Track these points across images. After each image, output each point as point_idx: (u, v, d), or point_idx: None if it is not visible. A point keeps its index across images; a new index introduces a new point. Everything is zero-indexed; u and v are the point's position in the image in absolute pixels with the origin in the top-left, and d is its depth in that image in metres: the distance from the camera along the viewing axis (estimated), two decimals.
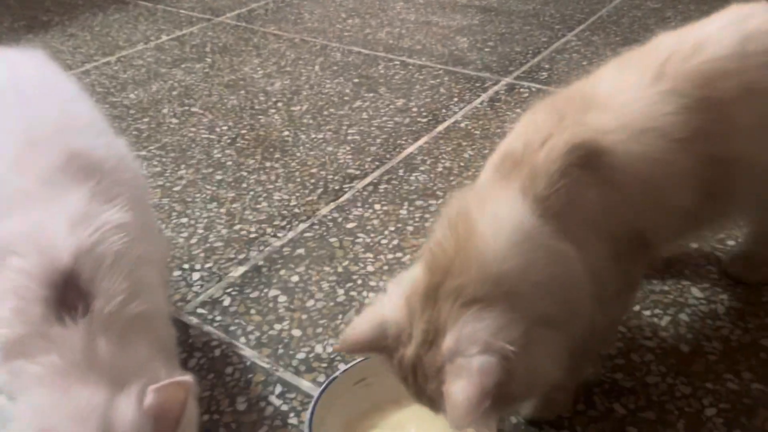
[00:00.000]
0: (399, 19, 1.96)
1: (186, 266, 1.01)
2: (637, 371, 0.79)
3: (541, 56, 1.64)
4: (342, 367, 0.79)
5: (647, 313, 0.87)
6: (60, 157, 0.63)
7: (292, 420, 0.76)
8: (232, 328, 0.89)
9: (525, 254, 0.56)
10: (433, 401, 0.57)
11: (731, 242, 0.96)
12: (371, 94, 1.51)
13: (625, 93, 0.65)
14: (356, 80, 1.59)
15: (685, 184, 0.65)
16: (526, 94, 1.46)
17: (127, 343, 0.58)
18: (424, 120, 1.39)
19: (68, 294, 0.56)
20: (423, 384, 0.57)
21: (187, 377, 0.54)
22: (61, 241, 0.58)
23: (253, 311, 0.92)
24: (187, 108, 1.50)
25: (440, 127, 1.35)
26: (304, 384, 0.80)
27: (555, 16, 1.89)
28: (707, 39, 0.67)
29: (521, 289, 0.56)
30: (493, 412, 0.56)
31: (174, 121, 1.45)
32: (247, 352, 0.85)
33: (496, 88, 1.50)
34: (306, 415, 0.69)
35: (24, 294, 0.56)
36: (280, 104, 1.50)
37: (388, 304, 0.59)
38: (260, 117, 1.45)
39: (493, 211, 0.58)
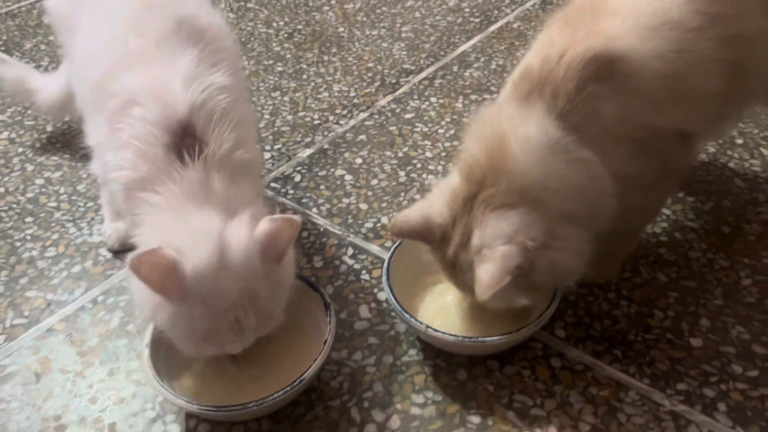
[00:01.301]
0: None
1: (257, 146, 1.08)
2: (680, 247, 0.86)
3: None
4: None
5: (691, 199, 0.93)
6: (171, 22, 0.69)
7: (365, 276, 0.85)
8: (304, 200, 0.97)
9: (548, 167, 0.64)
10: (469, 288, 0.66)
11: None
12: None
13: None
14: None
15: (707, 70, 0.68)
16: None
17: (235, 183, 0.65)
18: (477, 20, 1.41)
19: (185, 140, 0.64)
20: (461, 276, 0.67)
21: (297, 217, 0.61)
22: (179, 95, 0.65)
23: (322, 187, 0.99)
24: (242, 3, 1.54)
25: (493, 27, 1.38)
26: (373, 248, 0.89)
27: None
28: None
29: (543, 195, 0.63)
30: (519, 294, 0.65)
31: (231, 15, 1.49)
32: (320, 221, 0.93)
33: None
34: (382, 273, 0.77)
35: (148, 139, 0.64)
36: (333, 1, 1.53)
37: (435, 205, 0.67)
38: (315, 13, 1.48)
39: (523, 131, 0.64)
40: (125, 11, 0.70)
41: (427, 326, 0.69)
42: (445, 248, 0.68)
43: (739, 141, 1.03)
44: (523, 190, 0.63)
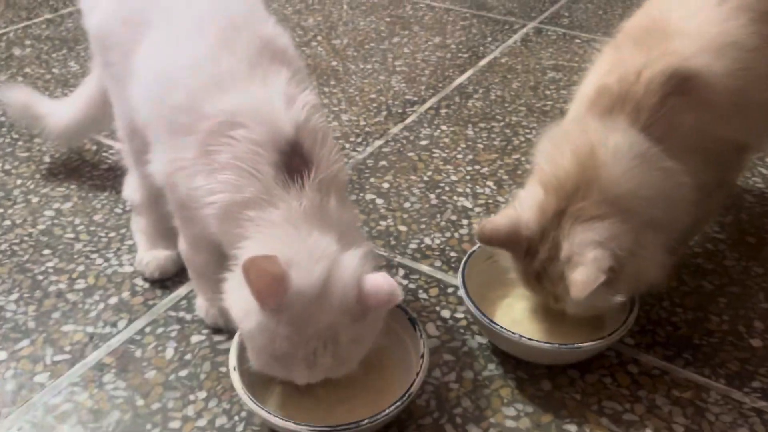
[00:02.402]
0: None
1: None
2: (715, 257, 0.90)
3: (559, 5, 1.74)
4: (452, 255, 0.88)
5: None
6: (258, 41, 0.67)
7: (422, 295, 0.84)
8: None
9: (639, 176, 0.67)
10: (560, 298, 0.68)
11: None
12: (406, 32, 1.57)
13: (696, 16, 0.74)
14: (388, 19, 1.64)
15: (765, 86, 0.74)
16: (554, 37, 1.55)
17: (345, 206, 0.64)
18: (465, 56, 1.46)
19: (294, 159, 0.62)
20: (549, 287, 0.69)
21: (399, 293, 0.59)
22: (283, 114, 0.62)
23: (356, 211, 0.98)
24: None
25: (482, 62, 1.43)
26: (424, 267, 0.88)
27: None
28: None
29: (633, 204, 0.66)
30: (606, 299, 0.67)
31: None
32: None
33: (524, 30, 1.59)
34: (460, 290, 0.76)
35: (254, 159, 0.61)
36: (319, 38, 1.54)
37: (523, 216, 0.68)
38: (304, 48, 1.48)
39: (613, 143, 0.67)
40: (209, 30, 0.67)
41: (521, 335, 0.69)
42: (530, 260, 0.69)
43: None
44: (614, 200, 0.65)
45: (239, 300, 0.59)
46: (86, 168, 1.06)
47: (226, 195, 0.62)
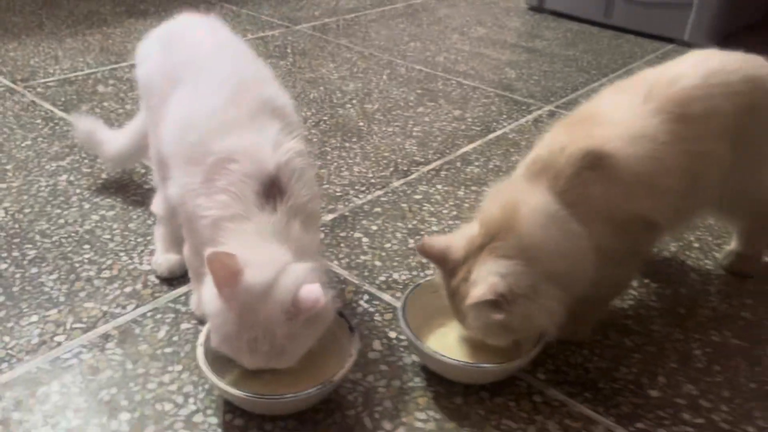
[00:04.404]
0: (455, 48, 2.24)
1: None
2: (644, 321, 1.02)
3: (578, 92, 1.91)
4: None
5: (655, 285, 1.10)
6: (259, 100, 0.87)
7: (378, 317, 0.99)
8: (327, 253, 1.13)
9: (546, 232, 0.81)
10: (464, 316, 0.83)
11: (726, 246, 1.20)
12: (432, 104, 1.77)
13: (621, 111, 0.89)
14: (419, 91, 1.85)
15: (671, 172, 0.87)
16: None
17: (307, 231, 0.81)
18: (478, 128, 1.64)
19: (272, 189, 0.80)
20: (459, 304, 0.83)
21: (330, 307, 0.76)
22: (268, 156, 0.81)
23: (342, 245, 1.15)
24: None
25: (491, 135, 1.60)
26: (385, 296, 1.04)
27: (592, 63, 2.16)
28: (682, 73, 0.92)
29: (537, 255, 0.80)
30: (499, 331, 0.81)
31: None
32: (340, 271, 1.08)
33: (539, 112, 1.76)
34: (398, 311, 0.91)
35: (242, 185, 0.80)
36: (354, 101, 1.75)
37: (456, 242, 0.84)
38: (338, 109, 1.70)
39: (532, 201, 0.82)
40: (224, 89, 0.87)
41: (435, 351, 0.83)
42: (451, 279, 0.84)
43: (696, 245, 1.22)
44: (523, 248, 0.80)
45: (208, 288, 0.76)
46: (132, 186, 1.28)
47: (216, 211, 0.81)
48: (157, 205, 1.07)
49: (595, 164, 0.82)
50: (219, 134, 0.83)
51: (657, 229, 0.90)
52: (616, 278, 0.93)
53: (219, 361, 0.82)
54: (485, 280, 0.78)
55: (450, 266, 0.84)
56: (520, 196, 0.83)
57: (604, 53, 2.27)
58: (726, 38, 2.44)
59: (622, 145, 0.84)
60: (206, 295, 0.77)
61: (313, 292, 0.74)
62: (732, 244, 1.16)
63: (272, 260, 0.76)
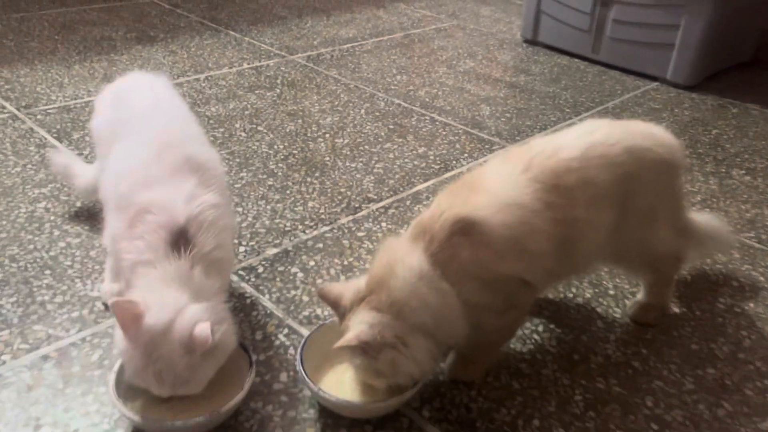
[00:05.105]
0: (439, 82, 2.33)
1: (235, 241, 1.36)
2: (537, 364, 1.10)
3: (545, 131, 1.99)
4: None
5: (558, 330, 1.18)
6: (181, 157, 0.99)
7: (291, 351, 1.10)
8: (261, 287, 1.24)
9: (414, 290, 0.90)
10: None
11: (638, 294, 1.27)
12: (400, 140, 1.87)
13: (501, 179, 0.97)
14: (391, 126, 1.95)
15: (540, 237, 0.95)
16: None
17: (209, 276, 0.93)
18: (437, 167, 1.74)
19: (180, 239, 0.92)
20: None
21: (222, 336, 0.88)
22: (180, 209, 0.94)
23: (277, 279, 1.27)
24: (254, 126, 1.89)
25: (447, 174, 1.70)
26: (304, 331, 1.14)
27: (569, 101, 2.24)
28: (564, 145, 1.00)
29: (404, 309, 0.90)
30: (370, 373, 0.91)
31: (243, 134, 1.83)
32: (268, 305, 1.20)
33: (500, 150, 1.84)
34: (298, 348, 1.02)
35: (154, 236, 0.92)
36: (327, 135, 1.87)
37: (347, 292, 0.95)
38: (310, 143, 1.82)
39: (407, 261, 0.91)
40: (151, 146, 1.00)
41: (319, 388, 0.94)
42: (342, 323, 0.94)
43: (612, 292, 1.30)
44: (393, 302, 0.90)
45: (118, 329, 0.88)
46: (101, 215, 1.42)
47: (134, 255, 0.93)
48: (105, 238, 1.20)
49: (465, 230, 0.91)
50: (141, 187, 0.96)
51: (530, 287, 0.99)
52: (498, 328, 1.02)
53: (131, 387, 0.94)
54: (354, 328, 0.88)
55: (341, 312, 0.95)
56: (399, 255, 0.93)
57: (585, 90, 2.34)
58: (712, 77, 2.48)
59: (492, 212, 0.93)
60: (117, 336, 0.89)
61: (204, 330, 0.85)
62: (639, 295, 1.23)
63: (171, 303, 0.87)
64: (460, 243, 0.92)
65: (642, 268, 1.17)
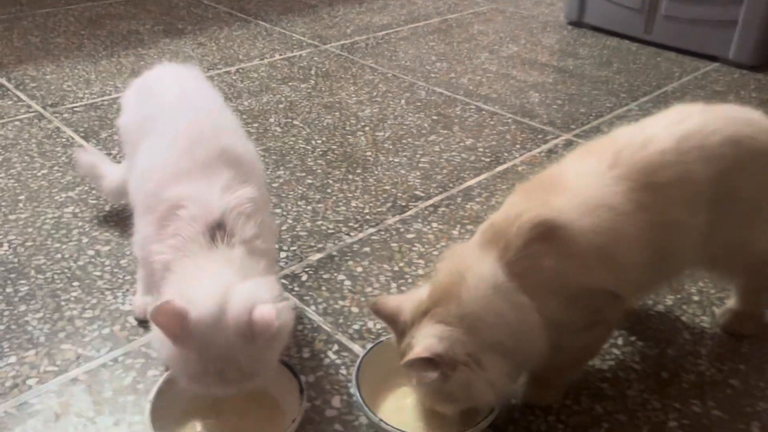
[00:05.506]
0: (482, 69, 2.20)
1: (276, 246, 1.25)
2: (621, 384, 0.97)
3: (602, 119, 1.84)
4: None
5: (641, 343, 1.05)
6: (215, 150, 0.88)
7: (343, 371, 0.99)
8: (306, 297, 1.13)
9: (489, 304, 0.78)
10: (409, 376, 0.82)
11: (728, 300, 1.13)
12: (445, 131, 1.75)
13: (584, 177, 0.85)
14: (435, 117, 1.83)
15: (631, 244, 0.82)
16: None
17: (254, 261, 0.82)
18: (487, 160, 1.60)
19: (217, 232, 0.82)
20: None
21: (273, 321, 0.74)
22: (215, 201, 0.83)
23: (323, 288, 1.15)
24: (290, 120, 1.78)
25: (500, 168, 1.57)
26: (356, 347, 1.03)
27: (624, 85, 2.08)
28: (654, 135, 0.86)
29: (478, 325, 0.77)
30: (440, 398, 0.80)
31: (278, 129, 1.72)
32: (315, 317, 1.09)
33: (555, 141, 1.71)
34: (353, 369, 0.90)
35: (188, 230, 0.82)
36: (367, 128, 1.75)
37: (406, 304, 0.83)
38: (349, 137, 1.70)
39: (478, 270, 0.79)
40: (181, 140, 0.89)
41: (380, 419, 0.82)
42: (401, 341, 0.83)
43: (696, 298, 1.16)
44: (464, 316, 0.78)
45: (159, 337, 0.77)
46: (132, 219, 1.32)
47: (166, 255, 0.82)
48: (135, 245, 1.10)
49: (546, 236, 0.79)
50: (171, 183, 0.86)
51: (619, 300, 0.86)
52: (581, 346, 0.89)
53: (168, 416, 0.83)
54: (421, 342, 0.77)
55: (400, 328, 0.83)
56: (469, 263, 0.80)
57: (639, 74, 2.18)
58: None
59: (577, 216, 0.80)
60: (160, 343, 0.78)
61: (266, 313, 0.74)
62: (730, 302, 1.09)
63: (214, 288, 0.76)
64: (540, 251, 0.79)
65: (738, 273, 1.03)
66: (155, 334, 0.77)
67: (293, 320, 0.82)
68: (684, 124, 0.88)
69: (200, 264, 0.79)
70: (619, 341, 1.05)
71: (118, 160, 1.45)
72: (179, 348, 0.75)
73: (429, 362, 0.76)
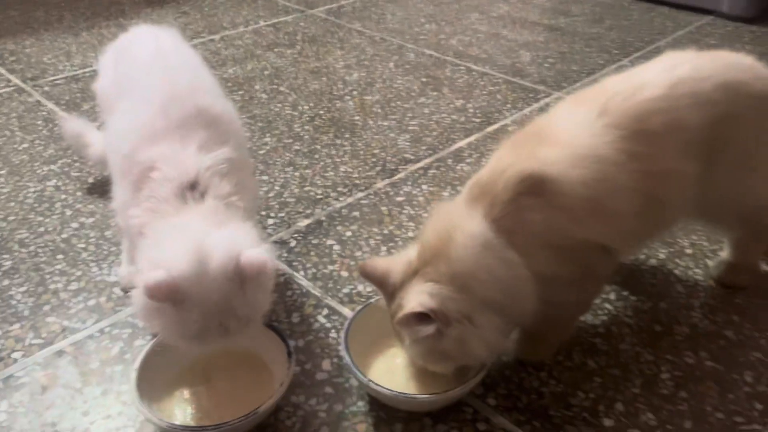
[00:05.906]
0: (471, 29, 2.15)
1: (263, 213, 1.24)
2: (613, 339, 0.96)
3: (594, 76, 1.81)
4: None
5: (634, 298, 1.04)
6: (191, 110, 0.86)
7: (333, 334, 0.97)
8: (294, 263, 1.11)
9: (479, 261, 0.76)
10: (403, 340, 0.81)
11: (721, 252, 1.11)
12: (435, 93, 1.71)
13: (573, 127, 0.82)
14: (424, 79, 1.79)
15: (623, 195, 0.80)
16: None
17: (229, 213, 0.80)
18: (478, 120, 1.58)
19: (191, 191, 0.80)
20: (397, 329, 0.80)
21: (266, 261, 0.72)
22: (189, 162, 0.81)
23: (312, 254, 1.14)
24: (275, 87, 1.74)
25: (490, 128, 1.54)
26: (345, 311, 1.02)
27: (616, 41, 2.04)
28: (645, 82, 0.84)
29: (469, 283, 0.76)
30: (434, 357, 0.79)
31: (264, 96, 1.69)
32: (304, 282, 1.07)
33: (547, 100, 1.68)
34: (342, 332, 0.89)
35: (162, 190, 0.80)
36: (354, 93, 1.72)
37: (395, 266, 0.81)
38: (337, 102, 1.67)
39: (466, 227, 0.77)
40: (155, 100, 0.86)
41: (369, 380, 0.81)
42: (391, 303, 0.81)
43: (689, 251, 1.14)
44: (454, 274, 0.76)
45: (146, 307, 0.73)
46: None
47: (142, 218, 0.80)
48: (116, 214, 1.08)
49: (533, 189, 0.77)
50: (145, 144, 0.83)
51: (611, 254, 0.84)
52: (573, 301, 0.88)
53: (156, 384, 0.82)
54: (414, 299, 0.75)
55: (389, 290, 0.82)
56: (457, 221, 0.79)
57: (632, 30, 2.14)
58: None
59: (566, 167, 0.78)
60: (146, 315, 0.75)
61: (255, 258, 0.72)
62: (724, 253, 1.08)
63: (190, 240, 0.73)
64: (528, 205, 0.77)
65: (732, 224, 1.01)
66: (140, 308, 0.75)
67: (275, 261, 0.80)
68: (676, 70, 0.86)
69: (172, 223, 0.77)
70: (612, 296, 1.04)
71: (102, 130, 1.42)
72: (182, 312, 0.72)
73: (423, 317, 0.75)
